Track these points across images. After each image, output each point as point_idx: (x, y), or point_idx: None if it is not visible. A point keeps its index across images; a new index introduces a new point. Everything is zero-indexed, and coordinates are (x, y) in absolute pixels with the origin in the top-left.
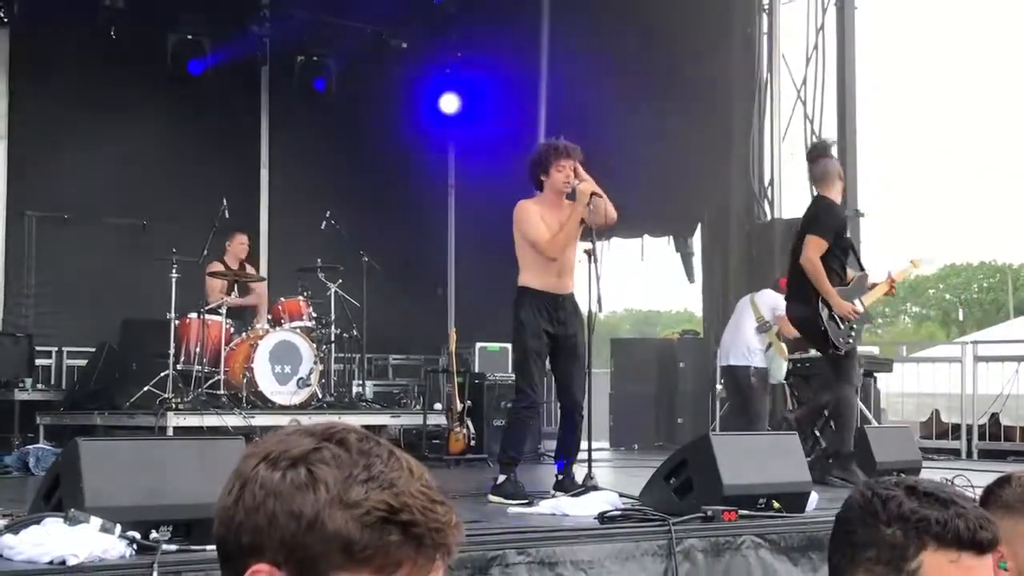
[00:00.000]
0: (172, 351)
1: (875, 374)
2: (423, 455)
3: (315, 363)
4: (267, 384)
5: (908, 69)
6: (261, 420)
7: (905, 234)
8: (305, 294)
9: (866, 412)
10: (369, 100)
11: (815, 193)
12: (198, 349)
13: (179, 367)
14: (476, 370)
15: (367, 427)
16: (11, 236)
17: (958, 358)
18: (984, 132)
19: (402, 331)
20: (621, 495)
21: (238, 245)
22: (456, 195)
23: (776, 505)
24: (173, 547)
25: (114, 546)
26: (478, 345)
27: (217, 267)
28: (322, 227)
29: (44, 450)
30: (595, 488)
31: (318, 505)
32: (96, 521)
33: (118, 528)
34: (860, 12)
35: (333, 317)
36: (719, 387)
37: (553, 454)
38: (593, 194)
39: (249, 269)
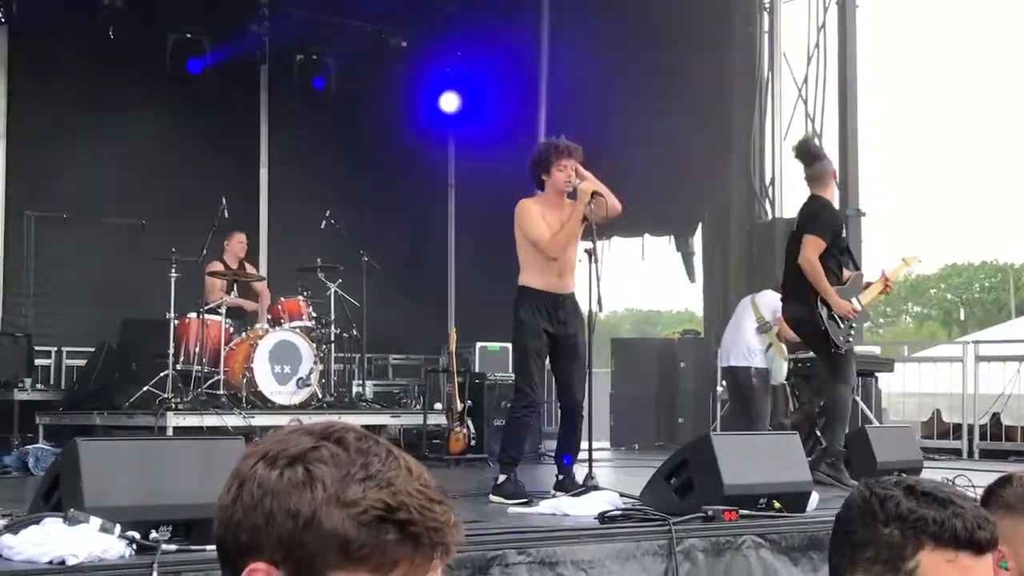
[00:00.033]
0: (172, 351)
1: (876, 374)
2: (423, 455)
3: (315, 363)
4: (267, 384)
5: (909, 68)
6: (261, 420)
7: (906, 233)
8: (305, 294)
9: (867, 412)
10: (369, 99)
11: (810, 193)
12: (198, 349)
13: (179, 367)
14: (476, 370)
15: (367, 427)
16: (10, 236)
17: (959, 358)
18: (986, 131)
19: (402, 331)
20: (622, 495)
21: (237, 244)
22: (456, 194)
23: (777, 505)
24: (173, 547)
25: (114, 546)
26: (478, 345)
27: (216, 266)
28: (322, 226)
29: (43, 450)
30: (595, 488)
31: (315, 504)
32: (96, 521)
33: (118, 528)
34: (861, 11)
35: (333, 317)
36: (720, 387)
37: (553, 454)
38: (594, 193)
39: (249, 268)
